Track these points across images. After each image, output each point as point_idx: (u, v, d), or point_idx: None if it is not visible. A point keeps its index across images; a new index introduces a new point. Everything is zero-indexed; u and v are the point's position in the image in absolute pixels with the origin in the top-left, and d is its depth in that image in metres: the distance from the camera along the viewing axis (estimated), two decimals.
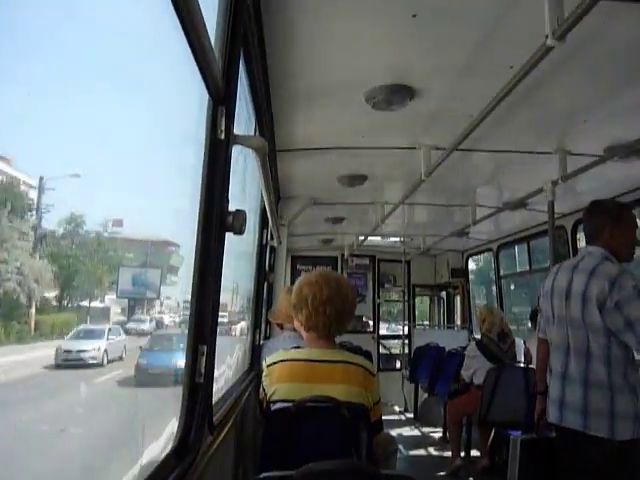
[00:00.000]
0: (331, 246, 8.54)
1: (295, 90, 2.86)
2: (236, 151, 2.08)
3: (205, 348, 1.48)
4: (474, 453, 5.61)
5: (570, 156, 3.72)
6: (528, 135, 3.55)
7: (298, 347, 2.50)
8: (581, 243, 5.75)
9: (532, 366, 5.11)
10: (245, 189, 2.77)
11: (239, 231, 1.54)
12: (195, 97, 1.59)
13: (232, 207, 1.60)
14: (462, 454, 5.43)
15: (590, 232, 2.81)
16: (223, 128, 1.51)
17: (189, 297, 1.50)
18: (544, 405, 2.87)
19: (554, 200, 3.88)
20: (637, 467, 2.53)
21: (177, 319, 3.21)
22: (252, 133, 2.79)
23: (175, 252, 2.97)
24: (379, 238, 8.04)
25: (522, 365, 5.18)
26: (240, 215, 1.54)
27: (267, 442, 2.30)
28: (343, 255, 8.87)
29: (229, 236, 1.61)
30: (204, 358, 1.47)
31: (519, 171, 4.32)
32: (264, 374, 2.35)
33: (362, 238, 7.42)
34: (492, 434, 5.26)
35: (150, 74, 1.59)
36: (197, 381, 1.47)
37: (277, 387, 2.27)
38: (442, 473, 5.25)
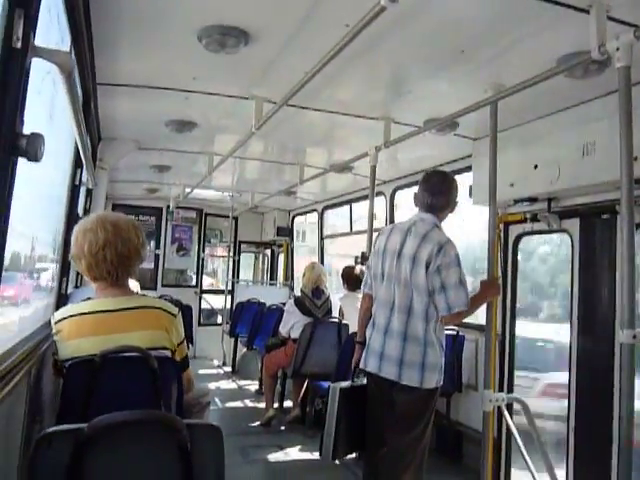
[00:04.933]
0: (156, 196, 8.14)
1: (121, 15, 2.55)
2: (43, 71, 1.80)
3: None
4: (287, 404, 5.85)
5: (394, 125, 3.90)
6: (358, 99, 3.64)
7: (89, 299, 2.27)
8: (399, 210, 6.16)
9: (345, 322, 5.43)
10: (54, 118, 2.45)
11: (35, 158, 1.32)
12: None
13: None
14: (275, 405, 5.62)
15: (431, 202, 2.98)
16: (20, 35, 1.28)
17: None
18: (361, 354, 3.07)
19: (376, 165, 4.05)
20: (433, 410, 2.92)
21: None
22: None
23: None
24: (207, 191, 7.84)
25: (336, 320, 5.45)
26: (37, 140, 1.32)
27: (67, 396, 2.12)
28: (169, 207, 8.54)
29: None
30: None
31: (347, 134, 4.44)
32: (53, 332, 2.13)
33: (189, 190, 7.17)
34: (305, 386, 5.52)
35: None
36: None
37: (68, 345, 2.08)
38: (255, 424, 5.41)
